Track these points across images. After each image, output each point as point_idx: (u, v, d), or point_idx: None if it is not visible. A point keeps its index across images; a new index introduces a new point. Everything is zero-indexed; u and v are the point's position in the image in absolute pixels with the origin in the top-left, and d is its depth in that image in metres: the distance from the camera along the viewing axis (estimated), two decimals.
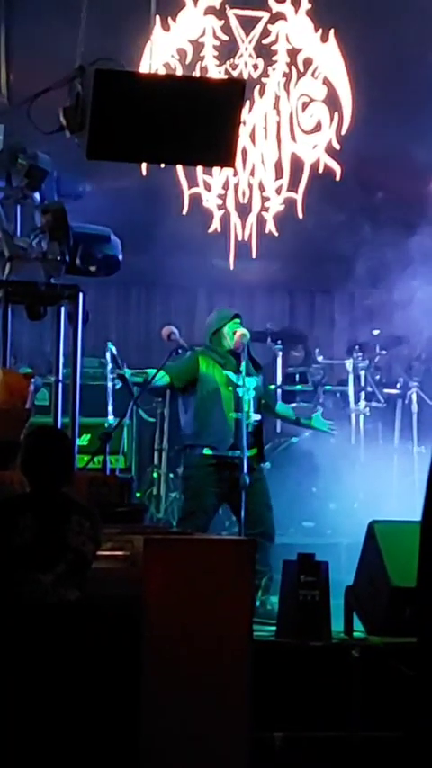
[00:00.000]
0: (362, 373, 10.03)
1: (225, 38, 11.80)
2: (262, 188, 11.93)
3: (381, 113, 11.48)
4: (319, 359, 10.40)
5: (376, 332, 10.56)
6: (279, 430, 9.87)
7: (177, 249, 11.00)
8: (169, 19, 11.56)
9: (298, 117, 12.00)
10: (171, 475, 9.62)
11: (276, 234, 11.87)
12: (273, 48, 11.91)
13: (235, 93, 6.48)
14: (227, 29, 11.79)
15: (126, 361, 8.43)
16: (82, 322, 6.79)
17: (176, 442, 9.07)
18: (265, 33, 11.89)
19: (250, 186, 11.92)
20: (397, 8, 11.26)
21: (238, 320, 7.68)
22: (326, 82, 12.00)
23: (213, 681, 5.15)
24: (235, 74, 11.60)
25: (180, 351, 7.66)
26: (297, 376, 10.34)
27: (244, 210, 11.90)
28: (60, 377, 6.98)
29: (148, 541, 5.15)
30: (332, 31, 11.88)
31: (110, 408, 8.99)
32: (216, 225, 11.82)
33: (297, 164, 11.98)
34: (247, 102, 11.29)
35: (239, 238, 11.85)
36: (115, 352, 8.55)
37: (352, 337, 11.58)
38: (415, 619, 3.82)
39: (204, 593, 5.17)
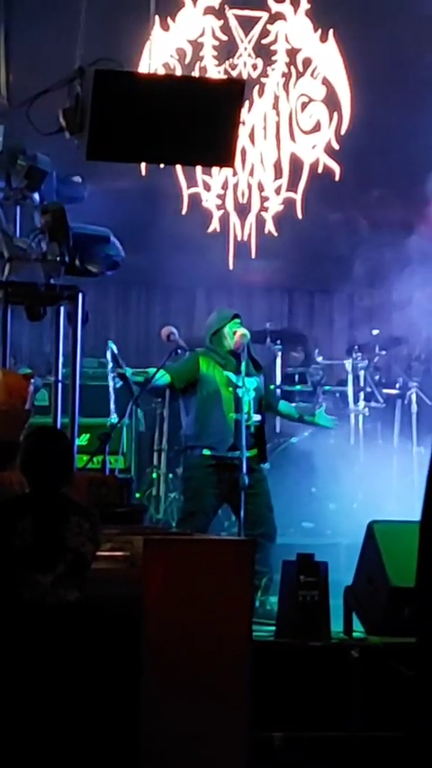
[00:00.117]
0: (361, 373, 10.03)
1: (224, 38, 11.81)
2: (261, 188, 11.94)
3: (380, 113, 11.49)
4: (319, 359, 10.40)
5: (376, 332, 10.57)
6: (278, 430, 9.88)
7: (176, 249, 11.01)
8: (168, 19, 11.57)
9: (297, 117, 12.01)
10: (170, 475, 9.62)
11: (275, 234, 11.88)
12: (272, 48, 11.93)
13: (234, 93, 6.48)
14: (226, 29, 11.81)
15: (125, 361, 8.43)
16: (81, 322, 6.79)
17: (176, 443, 9.08)
18: (265, 33, 11.90)
19: (249, 186, 11.93)
20: (395, 8, 11.27)
21: (238, 320, 7.68)
22: (325, 82, 12.02)
23: (213, 681, 5.15)
24: (234, 74, 11.62)
25: (179, 351, 7.65)
26: (296, 376, 10.34)
27: (243, 210, 11.91)
28: (60, 377, 6.98)
29: (147, 542, 5.15)
30: (331, 31, 11.90)
31: (112, 407, 8.98)
32: (215, 225, 11.83)
33: (296, 164, 11.99)
34: (247, 102, 11.30)
35: (239, 238, 11.86)
36: (116, 350, 8.54)
37: (351, 337, 11.60)
38: (414, 619, 3.82)
39: (204, 594, 5.17)
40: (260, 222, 11.89)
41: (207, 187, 11.82)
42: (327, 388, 10.17)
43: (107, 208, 8.27)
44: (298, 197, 11.94)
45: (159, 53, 11.25)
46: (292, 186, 11.96)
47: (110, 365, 8.83)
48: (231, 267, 11.81)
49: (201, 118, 6.32)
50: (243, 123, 10.92)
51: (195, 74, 11.35)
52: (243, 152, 11.68)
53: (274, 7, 11.93)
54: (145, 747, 5.00)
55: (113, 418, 8.83)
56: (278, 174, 11.97)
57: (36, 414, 6.54)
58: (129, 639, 4.97)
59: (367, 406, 9.97)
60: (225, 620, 5.18)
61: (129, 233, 7.48)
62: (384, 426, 10.07)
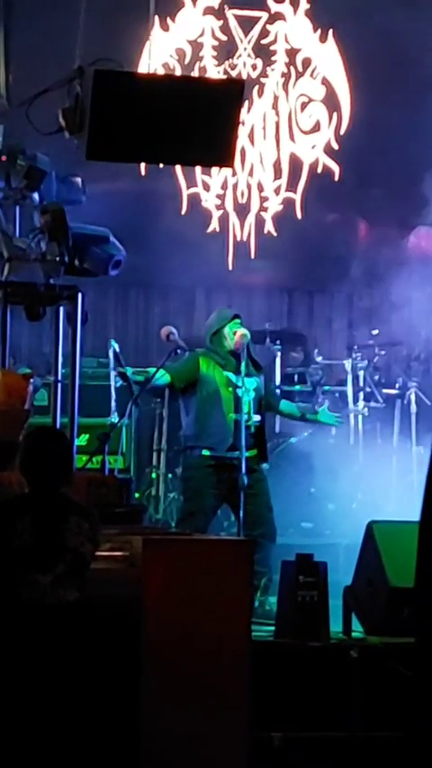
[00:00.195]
0: (360, 373, 10.04)
1: (224, 38, 11.82)
2: (261, 188, 11.94)
3: (379, 113, 11.50)
4: (318, 359, 10.41)
5: (375, 332, 10.57)
6: (278, 430, 9.88)
7: (176, 249, 11.01)
8: (168, 19, 11.58)
9: (297, 117, 12.01)
10: (170, 475, 9.62)
11: (275, 234, 11.88)
12: (271, 48, 11.93)
13: (234, 93, 6.48)
14: (225, 29, 11.81)
15: (125, 361, 8.43)
16: (81, 322, 6.79)
17: (175, 443, 9.08)
18: (264, 33, 11.90)
19: (249, 186, 11.93)
20: (395, 8, 11.27)
21: (238, 320, 7.67)
22: (324, 82, 12.02)
23: (212, 681, 5.15)
24: (234, 74, 11.62)
25: (179, 351, 7.65)
26: (296, 376, 10.35)
27: (242, 211, 11.91)
28: (59, 377, 6.98)
29: (146, 542, 5.15)
30: (331, 32, 11.90)
31: (113, 405, 8.99)
32: (215, 225, 11.83)
33: (296, 164, 11.99)
34: (246, 103, 11.30)
35: (238, 238, 11.86)
36: (118, 349, 8.53)
37: (350, 337, 11.60)
38: (413, 619, 3.82)
39: (203, 594, 5.17)
40: (259, 222, 11.89)
41: (206, 187, 11.83)
42: (326, 388, 10.18)
43: (107, 208, 8.28)
44: (297, 197, 11.95)
45: (159, 53, 11.25)
46: (292, 186, 11.97)
47: (111, 364, 8.84)
48: (231, 267, 11.82)
49: (200, 118, 6.33)
50: (242, 123, 10.93)
51: (195, 74, 11.35)
52: (242, 152, 11.68)
53: (274, 7, 11.93)
54: (145, 747, 5.00)
55: (114, 417, 8.84)
56: (278, 175, 11.97)
57: (35, 414, 6.54)
58: (128, 639, 4.97)
59: (367, 406, 9.97)
60: (224, 621, 5.18)
61: (128, 233, 7.48)
62: (384, 426, 10.07)
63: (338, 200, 11.65)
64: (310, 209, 11.85)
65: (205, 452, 7.50)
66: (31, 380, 6.47)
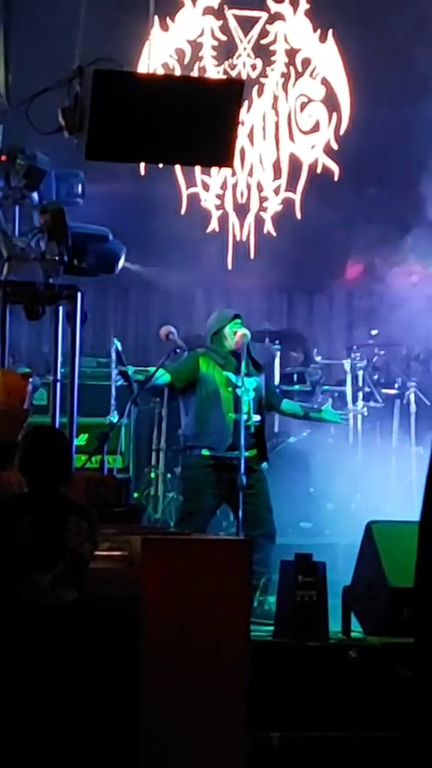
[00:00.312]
0: (360, 373, 10.04)
1: (223, 38, 11.82)
2: (260, 188, 11.94)
3: (379, 113, 11.50)
4: (318, 359, 10.41)
5: (374, 332, 10.57)
6: (277, 430, 9.87)
7: (175, 249, 11.01)
8: (168, 19, 11.58)
9: (296, 117, 12.01)
10: (169, 475, 9.62)
11: (274, 234, 11.88)
12: (271, 48, 11.93)
13: (233, 93, 6.48)
14: (225, 29, 11.81)
15: (125, 360, 8.43)
16: (80, 322, 6.79)
17: (174, 443, 9.08)
18: (264, 33, 11.90)
19: (248, 186, 11.93)
20: (395, 9, 11.27)
21: (238, 320, 7.68)
22: (324, 82, 12.02)
23: (211, 681, 5.15)
24: (233, 74, 11.62)
25: (178, 351, 7.65)
26: (295, 376, 10.34)
27: (242, 210, 11.91)
28: (58, 377, 6.98)
29: (145, 542, 5.14)
30: (330, 32, 11.90)
31: (113, 403, 8.99)
32: (214, 225, 11.83)
33: (295, 164, 11.99)
34: (246, 103, 11.30)
35: (237, 238, 11.87)
36: (120, 348, 8.53)
37: (350, 337, 11.60)
38: (413, 619, 3.82)
39: (202, 594, 5.17)
40: (259, 222, 11.89)
41: (206, 187, 11.83)
42: (325, 387, 10.18)
43: (106, 208, 8.29)
44: (297, 197, 11.95)
45: (159, 53, 11.25)
46: (291, 186, 11.97)
47: (114, 362, 8.83)
48: (230, 267, 11.82)
49: (200, 118, 6.33)
50: (242, 123, 10.93)
51: (194, 74, 11.35)
52: (242, 152, 11.69)
53: (274, 7, 11.94)
54: (144, 747, 5.00)
55: (113, 416, 8.84)
56: (277, 175, 11.97)
57: (34, 413, 6.54)
58: (127, 639, 4.97)
59: (366, 406, 9.97)
60: (223, 620, 5.18)
61: (128, 233, 7.49)
62: (383, 426, 10.07)
63: (338, 199, 11.64)
64: (309, 210, 11.85)
65: (205, 452, 7.50)
66: (31, 380, 6.47)
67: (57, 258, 6.66)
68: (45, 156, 6.84)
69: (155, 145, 6.44)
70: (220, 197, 11.85)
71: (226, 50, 11.80)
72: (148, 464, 9.93)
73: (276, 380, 10.17)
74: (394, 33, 11.24)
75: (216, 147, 6.46)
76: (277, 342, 10.45)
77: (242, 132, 11.26)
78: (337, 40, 11.92)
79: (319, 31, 11.92)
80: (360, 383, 10.02)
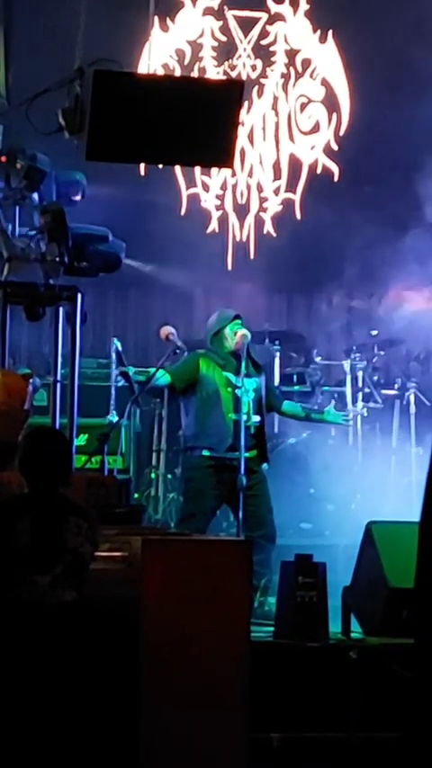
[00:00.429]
0: (359, 374, 10.04)
1: (223, 38, 11.82)
2: (260, 189, 11.94)
3: (379, 114, 11.50)
4: (317, 360, 10.41)
5: (374, 333, 10.57)
6: (276, 430, 9.87)
7: (175, 249, 11.01)
8: (168, 19, 11.57)
9: (296, 118, 12.01)
10: (169, 476, 9.62)
11: (274, 234, 11.88)
12: (271, 48, 11.93)
13: (233, 93, 6.48)
14: (225, 29, 11.81)
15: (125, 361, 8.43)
16: (80, 322, 6.80)
17: (174, 443, 9.07)
18: (264, 34, 11.90)
19: (248, 187, 11.93)
20: (395, 9, 11.27)
21: (239, 321, 7.67)
22: (324, 83, 12.02)
23: (211, 681, 5.15)
24: (233, 74, 11.62)
25: (178, 351, 7.65)
26: (295, 377, 10.33)
27: (242, 211, 11.91)
28: (58, 377, 6.99)
29: (146, 542, 5.14)
30: (330, 32, 11.90)
31: (112, 404, 8.99)
32: (214, 225, 11.83)
33: (295, 164, 11.99)
34: (246, 103, 11.30)
35: (237, 239, 11.86)
36: (120, 348, 8.53)
37: (349, 338, 11.60)
38: (412, 620, 3.82)
39: (202, 594, 5.17)
40: (259, 223, 11.89)
41: (206, 188, 11.83)
42: (325, 388, 10.18)
43: (106, 208, 8.29)
44: (297, 198, 11.95)
45: (159, 54, 11.25)
46: (291, 187, 11.97)
47: (114, 363, 8.83)
48: (230, 268, 11.81)
49: (200, 118, 6.33)
50: (242, 124, 10.93)
51: (194, 74, 11.35)
52: (242, 153, 11.68)
53: (274, 8, 11.93)
54: (144, 748, 5.00)
55: (112, 416, 8.84)
56: (277, 175, 11.97)
57: (35, 414, 6.55)
58: (127, 640, 4.97)
59: (366, 407, 9.97)
60: (223, 621, 5.17)
61: (128, 233, 7.49)
62: (383, 427, 10.07)
63: (338, 200, 11.64)
64: (309, 210, 11.85)
65: (205, 453, 7.50)
66: (31, 381, 6.47)
67: (57, 259, 6.66)
68: (45, 156, 6.84)
69: (155, 145, 6.44)
70: (220, 197, 11.85)
71: (226, 51, 11.80)
72: (149, 465, 9.93)
73: (276, 381, 10.17)
74: (394, 33, 11.23)
75: (216, 148, 6.47)
76: (277, 342, 10.45)
77: (242, 133, 11.26)
78: (337, 40, 11.91)
79: (319, 32, 11.92)
80: (360, 384, 10.02)
